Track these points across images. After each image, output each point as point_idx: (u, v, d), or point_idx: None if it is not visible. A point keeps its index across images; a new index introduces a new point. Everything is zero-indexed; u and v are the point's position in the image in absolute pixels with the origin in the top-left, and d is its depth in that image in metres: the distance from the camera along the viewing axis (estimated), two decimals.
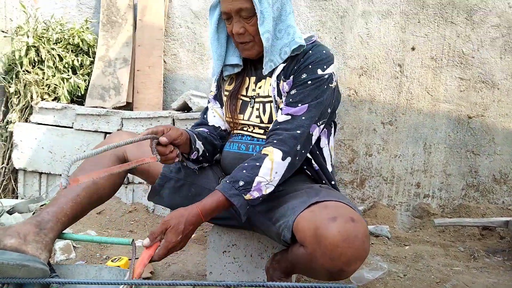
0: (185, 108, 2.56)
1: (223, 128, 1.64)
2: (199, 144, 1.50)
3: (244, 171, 1.28)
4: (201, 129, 1.61)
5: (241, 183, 1.26)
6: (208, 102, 1.69)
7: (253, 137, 1.49)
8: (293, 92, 1.39)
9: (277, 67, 1.44)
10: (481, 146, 2.71)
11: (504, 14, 2.65)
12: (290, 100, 1.38)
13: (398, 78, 2.77)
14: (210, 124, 1.64)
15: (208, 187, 1.53)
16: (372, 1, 2.75)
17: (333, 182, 1.53)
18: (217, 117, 1.64)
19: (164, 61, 2.87)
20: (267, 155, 1.31)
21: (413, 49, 2.75)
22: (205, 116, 1.67)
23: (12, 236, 1.19)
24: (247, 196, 1.27)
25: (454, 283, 1.86)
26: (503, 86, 2.68)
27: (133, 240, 1.31)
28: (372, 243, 2.38)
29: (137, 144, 1.45)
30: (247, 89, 1.53)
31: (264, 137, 1.46)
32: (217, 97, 1.64)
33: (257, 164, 1.29)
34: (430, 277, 1.95)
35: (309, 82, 1.38)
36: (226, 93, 1.57)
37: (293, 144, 1.33)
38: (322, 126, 1.44)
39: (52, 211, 1.28)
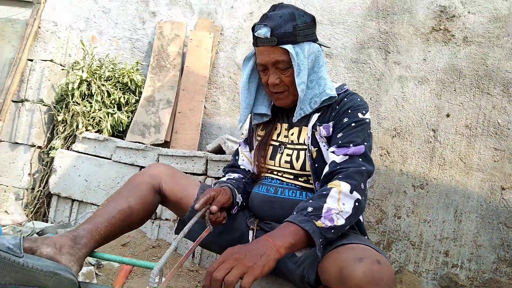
0: (219, 151, 2.64)
1: (251, 171, 1.69)
2: (239, 198, 1.57)
3: (311, 201, 1.25)
4: (236, 175, 1.67)
5: (310, 209, 1.21)
6: (239, 145, 1.76)
7: (282, 181, 1.51)
8: (339, 135, 1.42)
9: (311, 117, 1.49)
10: None
11: None
12: (340, 142, 1.40)
13: (431, 143, 2.78)
14: (241, 167, 1.71)
15: (236, 225, 1.56)
16: (409, 67, 2.84)
17: (366, 237, 1.48)
18: (245, 161, 1.70)
19: (204, 107, 3.00)
20: (333, 187, 1.27)
21: (448, 116, 2.78)
22: (236, 158, 1.75)
23: (49, 245, 1.24)
24: (319, 223, 1.19)
25: None
26: None
27: (157, 264, 1.33)
28: None
29: (172, 176, 1.53)
30: (278, 134, 1.59)
31: (294, 182, 1.49)
32: (247, 141, 1.71)
33: (324, 193, 1.25)
34: None
35: (353, 124, 1.42)
36: (259, 138, 1.63)
37: (359, 178, 1.30)
38: None
39: (87, 228, 1.33)
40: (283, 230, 1.16)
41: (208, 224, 1.39)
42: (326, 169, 1.37)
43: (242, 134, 1.74)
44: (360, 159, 1.35)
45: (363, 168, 1.32)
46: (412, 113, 2.83)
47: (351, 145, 1.37)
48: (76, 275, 1.25)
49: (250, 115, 1.63)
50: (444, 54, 2.81)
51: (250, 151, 1.67)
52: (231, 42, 3.05)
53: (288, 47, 1.41)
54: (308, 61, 1.46)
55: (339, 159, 1.36)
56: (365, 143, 1.39)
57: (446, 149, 2.77)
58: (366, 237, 1.49)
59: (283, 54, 1.43)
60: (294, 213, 1.22)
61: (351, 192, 1.26)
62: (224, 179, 1.66)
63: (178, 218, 1.63)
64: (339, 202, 1.23)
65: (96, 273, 2.08)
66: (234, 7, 3.06)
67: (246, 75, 1.55)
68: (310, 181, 1.49)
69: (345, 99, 1.49)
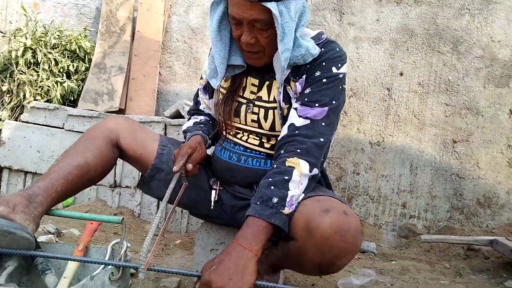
0: (178, 116, 2.58)
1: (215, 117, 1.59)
2: (209, 144, 1.53)
3: (273, 187, 1.18)
4: (202, 118, 1.61)
5: (275, 200, 1.15)
6: (199, 88, 1.63)
7: (246, 147, 1.42)
8: (307, 91, 1.29)
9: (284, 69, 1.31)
10: (466, 170, 2.77)
11: (488, 47, 2.79)
12: (306, 99, 1.28)
13: (386, 101, 2.85)
14: (205, 111, 1.64)
15: (200, 184, 1.52)
16: (363, 28, 2.88)
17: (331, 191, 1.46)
18: (206, 109, 1.63)
19: (159, 73, 2.92)
20: (294, 167, 1.20)
21: (401, 74, 2.85)
22: (198, 100, 1.66)
23: (1, 204, 1.17)
24: (285, 211, 1.15)
25: None
26: (486, 113, 2.78)
27: (122, 218, 1.29)
28: (359, 258, 2.37)
29: (130, 130, 1.46)
30: (244, 89, 1.43)
31: (259, 149, 1.41)
32: (207, 88, 1.56)
33: (286, 178, 1.18)
34: None
35: (324, 80, 1.29)
36: (222, 90, 1.47)
37: (319, 154, 1.25)
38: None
39: (43, 186, 1.26)
40: (252, 229, 1.12)
41: (184, 180, 1.36)
42: (285, 130, 1.28)
43: (201, 78, 1.58)
44: (323, 123, 1.26)
45: (322, 140, 1.25)
46: (367, 73, 2.88)
47: (317, 104, 1.27)
48: (32, 234, 1.19)
49: (209, 59, 1.45)
50: (396, 14, 2.86)
51: (210, 98, 1.55)
52: (184, 5, 2.96)
53: (271, 5, 1.16)
54: (294, 21, 1.23)
55: (299, 122, 1.26)
56: (333, 102, 1.28)
57: (401, 106, 2.84)
58: (331, 191, 1.47)
59: (264, 12, 1.19)
60: (258, 202, 1.16)
61: (310, 171, 1.22)
62: (190, 123, 1.59)
63: (140, 174, 1.57)
64: (299, 185, 1.20)
65: (56, 241, 2.00)
66: None
67: (216, 22, 1.30)
68: None
69: (323, 49, 1.32)
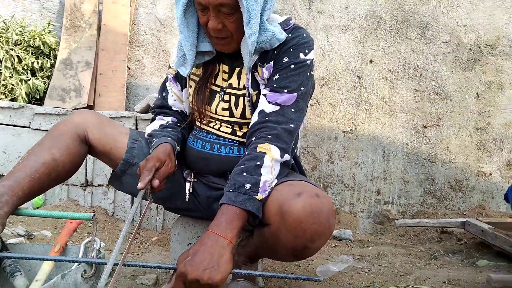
0: (148, 111, 2.53)
1: (186, 111, 1.55)
2: (178, 149, 1.46)
3: (245, 173, 1.16)
4: (169, 119, 1.53)
5: (247, 186, 1.14)
6: (166, 79, 1.55)
7: (219, 136, 1.41)
8: (276, 77, 1.29)
9: (252, 55, 1.30)
10: (437, 154, 2.83)
11: (454, 32, 2.84)
12: (274, 85, 1.28)
13: (357, 89, 2.87)
14: (174, 108, 1.55)
15: (173, 178, 1.48)
16: (333, 16, 2.88)
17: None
18: (177, 101, 1.54)
19: (128, 67, 2.85)
20: (265, 153, 1.19)
21: (371, 61, 2.88)
22: (164, 95, 1.56)
23: None
24: (258, 197, 1.14)
25: (417, 275, 1.89)
26: (455, 97, 2.84)
27: (94, 215, 1.26)
28: (336, 245, 2.39)
29: (98, 125, 1.41)
30: (216, 76, 1.41)
31: (231, 137, 1.39)
32: (178, 78, 1.51)
33: (258, 163, 1.17)
34: (394, 271, 1.97)
35: (292, 66, 1.28)
36: (194, 77, 1.44)
37: (289, 140, 1.24)
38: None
39: (8, 185, 1.21)
40: (226, 216, 1.10)
41: (148, 196, 1.28)
42: (255, 117, 1.28)
43: (170, 67, 1.52)
44: (292, 110, 1.26)
45: (292, 126, 1.25)
46: (338, 61, 2.89)
47: (285, 90, 1.27)
48: None
49: (177, 47, 1.41)
50: (364, 1, 2.87)
51: (182, 89, 1.51)
52: None
53: None
54: (259, 5, 1.21)
55: (269, 108, 1.26)
56: (302, 88, 1.28)
57: (372, 93, 2.87)
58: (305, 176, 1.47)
59: None
60: (230, 190, 1.15)
61: (281, 156, 1.21)
62: (156, 125, 1.50)
63: (111, 169, 1.53)
64: (272, 170, 1.18)
65: (26, 243, 1.93)
66: None
67: (182, 8, 1.27)
68: None
69: (290, 34, 1.31)
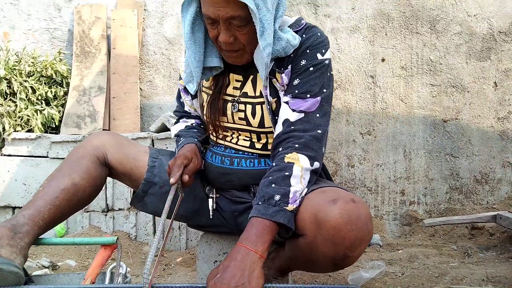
0: (164, 130, 2.52)
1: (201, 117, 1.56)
2: (202, 151, 1.47)
3: (273, 185, 1.13)
4: (193, 122, 1.56)
5: (277, 197, 1.10)
6: (179, 90, 1.58)
7: (237, 150, 1.38)
8: (296, 82, 1.25)
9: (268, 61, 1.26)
10: (459, 148, 2.75)
11: (464, 22, 2.78)
12: (296, 91, 1.24)
13: (371, 89, 2.83)
14: (193, 114, 1.59)
15: (195, 193, 1.47)
16: (340, 18, 2.85)
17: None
18: (191, 110, 1.57)
19: (140, 89, 2.86)
20: (293, 163, 1.16)
21: (383, 60, 2.83)
22: (181, 101, 1.59)
23: None
24: (289, 208, 1.11)
25: (453, 275, 1.82)
26: (472, 89, 2.77)
27: (117, 238, 1.24)
28: (365, 251, 2.32)
29: (117, 145, 1.40)
30: (227, 86, 1.38)
31: (251, 150, 1.36)
32: (187, 90, 1.48)
33: (286, 174, 1.14)
34: (428, 273, 1.90)
35: (311, 68, 1.25)
36: (206, 90, 1.42)
37: (318, 147, 1.20)
38: None
39: (28, 214, 1.18)
40: (256, 229, 1.07)
41: (180, 191, 1.31)
42: (280, 127, 1.23)
43: (180, 78, 1.50)
44: (318, 115, 1.22)
45: (319, 131, 1.20)
46: (349, 63, 2.85)
47: (308, 95, 1.23)
48: (21, 267, 1.12)
49: (185, 63, 1.39)
50: (370, 0, 2.84)
51: (193, 99, 1.49)
52: (157, 17, 2.91)
53: (247, 0, 1.11)
54: (271, 14, 1.18)
55: (293, 117, 1.22)
56: (324, 90, 1.25)
57: (387, 92, 2.82)
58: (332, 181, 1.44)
59: (240, 8, 1.13)
60: (260, 202, 1.11)
61: (311, 165, 1.17)
62: (182, 126, 1.53)
63: (132, 191, 1.51)
64: (301, 179, 1.15)
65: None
66: None
67: (189, 23, 1.25)
68: (268, 147, 1.36)
69: (304, 35, 1.27)
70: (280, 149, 1.21)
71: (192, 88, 1.37)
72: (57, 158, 2.39)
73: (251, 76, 1.34)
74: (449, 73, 2.78)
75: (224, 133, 1.41)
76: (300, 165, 1.15)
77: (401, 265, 2.03)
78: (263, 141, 1.36)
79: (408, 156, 2.79)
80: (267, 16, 1.16)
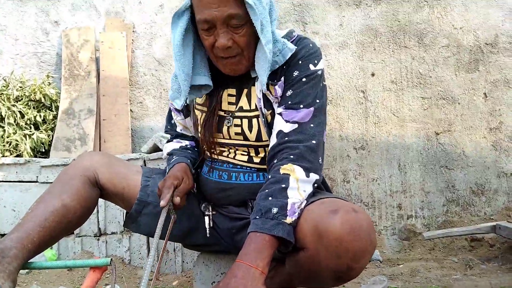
0: (156, 150, 2.48)
1: (195, 136, 1.53)
2: (192, 174, 1.43)
3: (270, 198, 1.10)
4: (187, 143, 1.52)
5: (274, 210, 1.07)
6: (170, 110, 1.55)
7: (235, 164, 1.35)
8: (289, 93, 1.23)
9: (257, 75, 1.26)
10: (453, 160, 2.75)
11: (451, 35, 2.82)
12: (289, 102, 1.22)
13: (363, 104, 2.83)
14: (189, 136, 1.55)
15: (190, 211, 1.43)
16: (328, 35, 2.88)
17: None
18: (184, 130, 1.54)
19: (131, 110, 2.83)
20: (289, 174, 1.13)
21: (373, 75, 2.85)
22: (173, 123, 1.56)
23: None
24: (288, 220, 1.07)
25: None
26: (462, 100, 2.78)
27: (111, 259, 1.18)
28: (365, 267, 2.28)
29: (108, 165, 1.36)
30: (221, 103, 1.35)
31: (249, 165, 1.33)
32: (179, 110, 1.46)
33: (283, 186, 1.11)
34: (431, 287, 1.86)
35: (304, 79, 1.23)
36: (200, 107, 1.39)
37: (313, 158, 1.17)
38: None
39: (16, 237, 1.13)
40: (256, 245, 1.04)
41: (172, 213, 1.27)
42: (274, 139, 1.21)
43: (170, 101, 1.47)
44: (311, 125, 1.20)
45: (314, 142, 1.18)
46: (339, 79, 2.86)
47: (301, 106, 1.20)
48: None
49: (172, 79, 1.38)
50: (358, 16, 2.87)
51: (186, 117, 1.47)
52: (146, 38, 2.91)
53: None
54: (267, 13, 1.17)
55: (287, 128, 1.19)
56: (317, 101, 1.22)
57: (378, 107, 2.83)
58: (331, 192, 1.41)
59: (237, 6, 1.12)
60: (257, 216, 1.08)
61: (307, 176, 1.14)
62: (176, 145, 1.49)
63: (126, 212, 1.46)
64: (299, 191, 1.12)
65: None
66: (142, 2, 2.92)
67: (179, 36, 1.22)
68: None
69: (296, 47, 1.25)
70: (275, 161, 1.19)
71: (179, 104, 1.33)
72: (47, 183, 2.33)
73: (245, 90, 1.32)
74: (439, 85, 2.80)
75: (221, 148, 1.38)
76: (296, 176, 1.13)
77: (403, 280, 1.99)
78: (261, 155, 1.33)
79: (403, 170, 2.77)
80: (264, 14, 1.15)
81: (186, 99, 1.33)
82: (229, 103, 1.34)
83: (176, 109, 1.49)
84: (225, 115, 1.34)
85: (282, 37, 1.28)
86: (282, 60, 1.23)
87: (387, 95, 2.83)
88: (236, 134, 1.33)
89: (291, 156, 1.16)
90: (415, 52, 2.83)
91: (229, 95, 1.34)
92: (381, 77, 2.84)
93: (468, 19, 2.82)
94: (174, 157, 1.42)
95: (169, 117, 1.58)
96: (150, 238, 2.27)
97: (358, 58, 2.86)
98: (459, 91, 2.79)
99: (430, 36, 2.82)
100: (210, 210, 1.43)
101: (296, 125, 1.20)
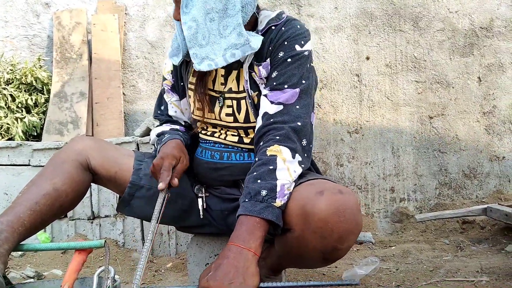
0: (149, 134, 2.47)
1: (188, 121, 1.51)
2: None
3: (259, 180, 1.10)
4: (177, 127, 1.49)
5: (264, 192, 1.07)
6: (163, 91, 1.52)
7: (227, 145, 1.35)
8: (274, 74, 1.23)
9: (247, 56, 1.25)
10: (446, 144, 2.76)
11: (446, 19, 2.80)
12: (274, 83, 1.22)
13: (357, 88, 2.82)
14: (179, 121, 1.52)
15: (183, 192, 1.42)
16: (323, 18, 2.85)
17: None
18: (178, 112, 1.49)
19: (124, 94, 2.81)
20: (276, 155, 1.13)
21: (367, 58, 2.83)
22: (162, 109, 1.52)
23: None
24: (277, 203, 1.07)
25: (448, 268, 1.81)
26: (457, 84, 2.78)
27: (105, 241, 1.18)
28: (358, 249, 2.30)
29: (100, 149, 1.35)
30: (214, 82, 1.35)
31: (240, 145, 1.34)
32: (175, 88, 1.46)
33: (271, 167, 1.11)
34: (422, 267, 1.88)
35: (289, 60, 1.22)
36: (192, 86, 1.38)
37: (297, 139, 1.16)
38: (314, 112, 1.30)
39: (6, 221, 1.13)
40: (247, 227, 1.04)
41: (167, 192, 1.25)
42: (259, 121, 1.22)
43: (165, 79, 1.47)
44: (297, 106, 1.19)
45: (299, 123, 1.17)
46: (334, 62, 2.85)
47: (286, 86, 1.20)
48: (0, 274, 1.06)
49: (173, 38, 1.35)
50: None
51: (181, 99, 1.46)
52: (138, 20, 2.87)
53: None
54: None
55: (272, 109, 1.19)
56: (303, 82, 1.21)
57: (372, 90, 2.82)
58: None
59: None
60: (246, 199, 1.08)
61: (293, 157, 1.13)
62: (166, 128, 1.46)
63: (118, 195, 1.45)
64: (289, 171, 1.12)
65: None
66: None
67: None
68: None
69: (283, 28, 1.24)
70: (262, 143, 1.19)
71: (176, 60, 1.32)
72: (39, 166, 2.32)
73: (234, 71, 1.32)
74: (434, 69, 2.79)
75: (213, 129, 1.39)
76: (283, 157, 1.12)
77: (395, 261, 2.01)
78: (251, 136, 1.34)
79: (396, 153, 2.78)
80: None
81: (184, 56, 1.30)
82: (221, 84, 1.34)
83: (170, 89, 1.47)
84: (217, 95, 1.35)
85: (271, 18, 1.28)
86: (238, 54, 1.21)
87: (381, 79, 2.82)
88: (227, 115, 1.33)
89: (277, 137, 1.15)
90: (410, 36, 2.82)
91: (221, 75, 1.34)
92: (376, 60, 2.83)
93: (464, 2, 2.80)
94: (166, 135, 1.40)
95: (159, 102, 1.55)
96: (144, 221, 2.28)
97: (353, 41, 2.84)
98: (453, 75, 2.79)
99: (425, 19, 2.81)
100: (203, 192, 1.43)
101: (281, 107, 1.19)
